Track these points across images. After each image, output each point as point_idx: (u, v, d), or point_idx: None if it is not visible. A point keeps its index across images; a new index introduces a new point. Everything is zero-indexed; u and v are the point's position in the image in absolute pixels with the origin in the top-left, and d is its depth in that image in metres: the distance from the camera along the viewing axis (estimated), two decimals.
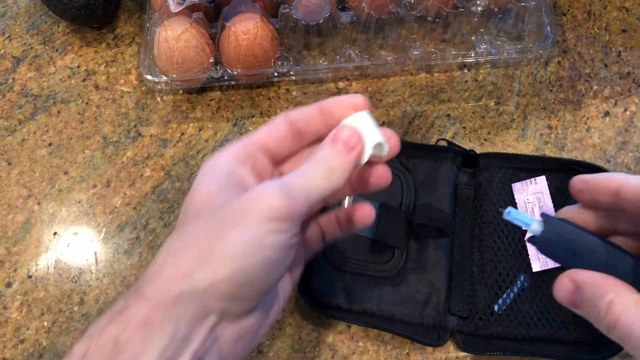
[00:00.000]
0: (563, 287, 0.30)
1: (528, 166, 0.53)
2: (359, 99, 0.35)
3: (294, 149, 0.37)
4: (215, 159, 0.34)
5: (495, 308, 0.49)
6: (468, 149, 0.54)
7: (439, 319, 0.48)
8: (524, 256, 0.50)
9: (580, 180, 0.33)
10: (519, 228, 0.51)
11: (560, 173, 0.52)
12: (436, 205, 0.51)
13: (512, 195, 0.52)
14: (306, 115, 0.36)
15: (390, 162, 0.53)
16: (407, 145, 0.54)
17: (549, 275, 0.49)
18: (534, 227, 0.32)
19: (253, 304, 0.32)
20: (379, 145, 0.35)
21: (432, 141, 0.57)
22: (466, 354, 0.48)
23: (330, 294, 0.48)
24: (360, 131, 0.34)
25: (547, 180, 0.52)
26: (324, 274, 0.49)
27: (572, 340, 0.47)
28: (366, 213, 0.38)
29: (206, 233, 0.31)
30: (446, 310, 0.49)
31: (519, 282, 0.49)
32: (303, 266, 0.39)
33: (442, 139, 0.57)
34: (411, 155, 0.54)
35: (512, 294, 0.49)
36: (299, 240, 0.33)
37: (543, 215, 0.32)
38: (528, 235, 0.32)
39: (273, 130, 0.36)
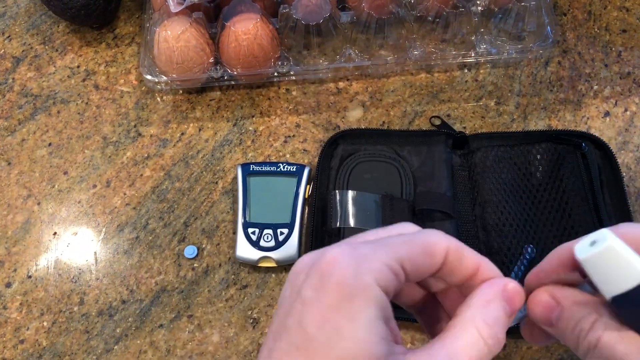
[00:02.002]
0: (540, 303, 0.27)
1: (518, 142, 0.54)
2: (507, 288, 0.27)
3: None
4: (362, 278, 0.24)
5: None
6: (457, 130, 0.55)
7: None
8: (527, 228, 0.50)
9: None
10: (520, 202, 0.51)
11: (549, 144, 0.53)
12: (436, 190, 0.52)
13: (509, 173, 0.53)
14: (465, 260, 0.28)
15: (386, 152, 0.54)
16: (398, 133, 0.55)
17: (555, 244, 0.49)
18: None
19: None
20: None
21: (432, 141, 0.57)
22: None
23: None
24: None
25: (538, 153, 0.53)
26: None
27: None
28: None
29: None
30: None
31: (527, 254, 0.49)
32: None
33: (436, 116, 0.57)
34: (404, 143, 0.55)
35: (522, 267, 0.49)
36: None
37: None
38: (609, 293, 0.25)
39: (423, 253, 0.28)
